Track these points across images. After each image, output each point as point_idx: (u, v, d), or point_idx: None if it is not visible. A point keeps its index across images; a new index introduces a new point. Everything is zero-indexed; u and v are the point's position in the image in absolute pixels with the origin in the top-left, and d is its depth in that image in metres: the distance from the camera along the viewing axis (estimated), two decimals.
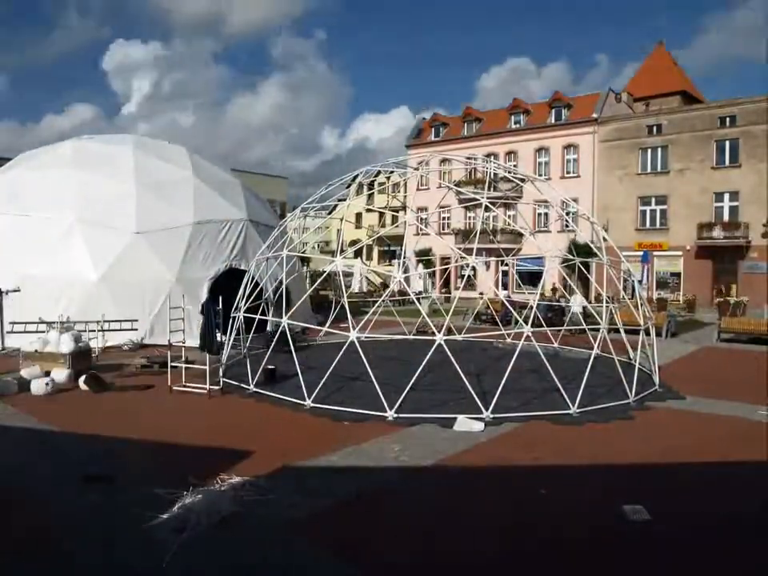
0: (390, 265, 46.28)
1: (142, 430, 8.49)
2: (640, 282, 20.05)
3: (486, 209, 12.90)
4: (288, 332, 11.17)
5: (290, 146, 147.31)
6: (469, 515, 5.93)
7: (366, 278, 32.71)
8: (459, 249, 21.09)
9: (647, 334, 12.02)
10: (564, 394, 9.72)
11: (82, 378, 11.08)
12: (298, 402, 9.95)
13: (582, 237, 19.25)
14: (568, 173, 38.61)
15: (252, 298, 12.72)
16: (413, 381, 9.57)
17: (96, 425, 8.81)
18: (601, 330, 11.20)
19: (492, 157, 37.40)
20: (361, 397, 10.11)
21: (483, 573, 4.91)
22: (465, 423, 8.73)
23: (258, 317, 13.09)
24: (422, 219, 32.19)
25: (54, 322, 13.73)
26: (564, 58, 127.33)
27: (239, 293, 12.84)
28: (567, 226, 29.08)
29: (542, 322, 15.37)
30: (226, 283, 15.73)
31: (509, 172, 20.77)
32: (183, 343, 11.36)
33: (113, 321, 14.74)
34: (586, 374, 9.88)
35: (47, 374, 11.19)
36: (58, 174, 17.62)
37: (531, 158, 39.64)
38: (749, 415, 9.60)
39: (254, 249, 17.29)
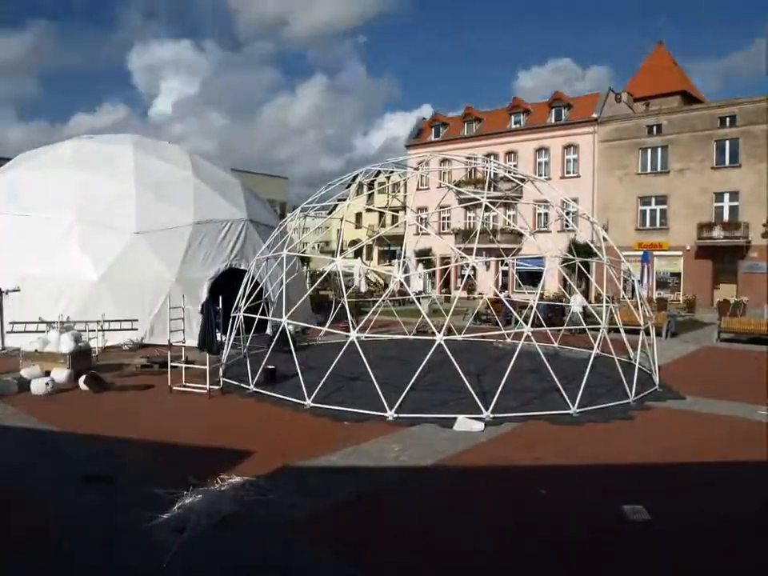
0: (390, 265, 46.26)
1: (141, 430, 8.49)
2: (640, 281, 20.05)
3: (486, 209, 12.90)
4: (288, 332, 11.18)
5: (322, 145, 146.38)
6: (469, 515, 5.93)
7: (366, 277, 32.70)
8: (459, 249, 21.08)
9: (647, 333, 12.02)
10: (564, 393, 9.72)
11: (82, 377, 11.08)
12: (298, 401, 9.95)
13: (581, 237, 19.25)
14: (568, 173, 38.60)
15: (252, 297, 12.73)
16: (413, 381, 9.57)
17: (96, 425, 8.81)
18: (601, 330, 11.20)
19: (492, 157, 37.37)
20: (361, 397, 10.11)
21: (483, 573, 4.91)
22: (465, 423, 8.74)
23: (258, 317, 13.10)
24: (421, 219, 32.19)
25: (53, 322, 13.74)
26: (607, 62, 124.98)
27: (239, 293, 12.85)
28: (567, 225, 29.08)
29: (542, 322, 15.37)
30: (226, 283, 15.73)
31: (509, 172, 20.76)
32: (183, 343, 11.37)
33: (113, 321, 14.74)
34: (586, 373, 9.88)
35: (47, 373, 11.19)
36: (58, 174, 17.62)
37: (531, 157, 39.63)
38: (749, 415, 9.61)
39: (254, 249, 17.31)
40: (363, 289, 30.04)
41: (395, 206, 34.66)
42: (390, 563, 4.96)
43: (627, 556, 5.13)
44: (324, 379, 10.03)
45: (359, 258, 38.39)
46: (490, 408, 9.17)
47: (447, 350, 9.52)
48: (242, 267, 17.22)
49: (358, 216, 51.38)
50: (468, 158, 28.02)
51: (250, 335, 13.60)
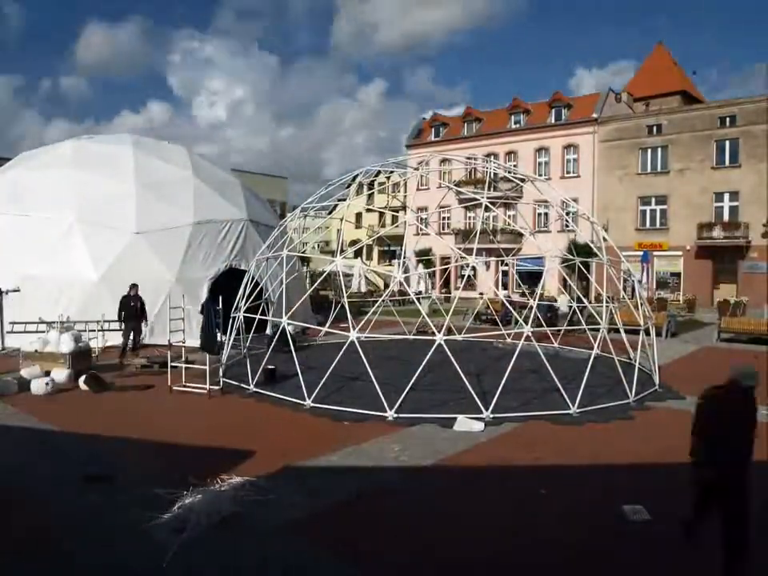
0: (390, 265, 46.26)
1: (141, 430, 8.49)
2: (640, 281, 20.04)
3: (486, 209, 12.89)
4: (288, 332, 11.18)
5: (374, 146, 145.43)
6: (469, 515, 5.93)
7: (366, 277, 32.72)
8: (459, 249, 21.07)
9: (647, 333, 12.01)
10: (564, 393, 9.71)
11: (82, 377, 11.08)
12: (298, 401, 9.95)
13: (582, 237, 19.23)
14: (568, 173, 38.61)
15: (252, 298, 12.73)
16: (413, 381, 9.57)
17: (96, 425, 8.80)
18: (601, 330, 11.20)
19: (492, 157, 37.39)
20: (361, 397, 10.11)
21: (483, 573, 4.91)
22: (465, 423, 8.74)
23: (258, 317, 13.10)
24: (421, 219, 32.20)
25: (53, 322, 13.74)
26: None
27: (239, 293, 12.85)
28: (567, 225, 29.03)
29: (542, 322, 15.37)
30: (226, 283, 15.73)
31: (509, 172, 20.77)
32: (183, 343, 11.37)
33: (113, 321, 14.72)
34: (586, 373, 9.88)
35: (47, 373, 11.19)
36: (58, 174, 17.61)
37: (531, 157, 39.64)
38: None
39: (254, 249, 17.29)
40: (363, 289, 30.10)
41: (395, 206, 34.67)
42: (390, 563, 4.96)
43: (627, 556, 5.13)
44: (324, 379, 10.03)
45: (359, 258, 38.45)
46: (490, 408, 9.16)
47: (447, 350, 9.52)
48: (242, 267, 17.21)
49: (358, 216, 51.37)
50: (468, 158, 28.05)
51: (250, 335, 13.60)
